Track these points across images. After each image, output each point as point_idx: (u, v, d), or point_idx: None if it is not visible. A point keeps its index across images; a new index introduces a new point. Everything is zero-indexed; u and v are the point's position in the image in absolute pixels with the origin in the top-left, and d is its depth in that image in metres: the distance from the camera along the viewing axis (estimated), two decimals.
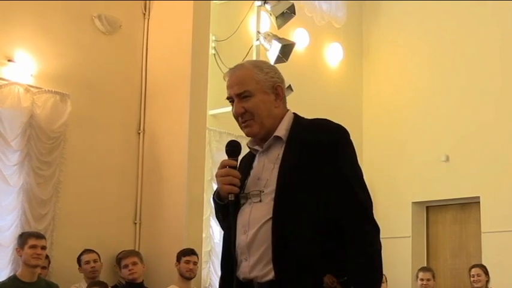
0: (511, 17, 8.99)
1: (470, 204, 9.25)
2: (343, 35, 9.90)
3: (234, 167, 2.81)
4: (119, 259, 6.74)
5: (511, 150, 8.80)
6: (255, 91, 2.82)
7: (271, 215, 2.71)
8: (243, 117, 2.84)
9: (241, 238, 2.78)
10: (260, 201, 2.77)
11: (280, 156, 2.80)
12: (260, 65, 2.93)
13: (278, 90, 2.87)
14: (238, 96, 2.83)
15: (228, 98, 2.89)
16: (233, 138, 2.94)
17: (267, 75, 2.86)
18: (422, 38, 9.75)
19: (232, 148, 2.86)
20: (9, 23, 6.74)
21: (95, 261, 6.69)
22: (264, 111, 2.82)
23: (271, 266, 2.69)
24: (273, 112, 2.85)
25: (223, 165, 2.82)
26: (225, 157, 2.86)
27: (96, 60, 7.39)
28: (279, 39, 8.27)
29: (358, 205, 2.74)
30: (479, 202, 9.07)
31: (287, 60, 8.06)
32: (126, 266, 6.54)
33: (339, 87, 9.85)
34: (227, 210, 2.82)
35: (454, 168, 9.22)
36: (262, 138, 2.88)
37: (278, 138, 2.84)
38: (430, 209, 9.74)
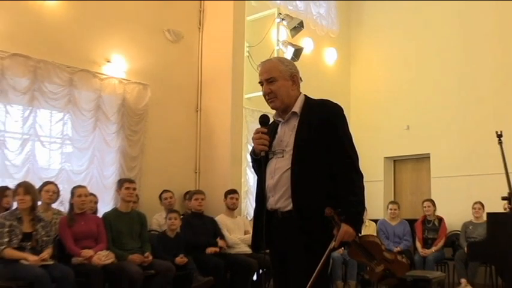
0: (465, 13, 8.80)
1: (423, 158, 9.16)
2: (337, 42, 9.78)
3: (265, 133, 2.79)
4: (191, 195, 6.69)
5: (453, 122, 8.67)
6: (278, 78, 2.80)
7: (289, 166, 2.71)
8: (269, 96, 2.83)
9: (269, 181, 2.78)
10: (282, 156, 2.77)
11: (296, 126, 2.78)
12: (283, 60, 2.91)
13: (294, 78, 2.84)
14: (266, 80, 2.82)
15: (259, 82, 2.87)
16: (263, 114, 2.91)
17: (287, 67, 2.83)
18: (391, 45, 9.59)
19: (264, 120, 2.85)
20: (107, 35, 6.75)
21: (171, 197, 6.76)
22: (283, 92, 2.80)
23: (290, 200, 2.69)
24: (290, 93, 2.82)
25: (257, 132, 2.81)
26: (257, 127, 2.84)
27: (167, 60, 7.38)
28: (292, 45, 8.20)
29: (348, 160, 2.73)
30: (429, 157, 8.98)
31: (298, 60, 7.99)
32: (196, 199, 6.53)
33: (334, 78, 9.73)
34: (260, 163, 2.82)
35: (412, 134, 9.14)
36: (283, 111, 2.85)
37: (294, 113, 2.82)
38: (396, 162, 9.67)
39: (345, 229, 2.58)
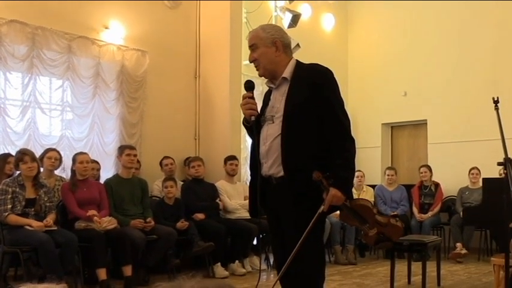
0: None
1: (421, 125, 9.10)
2: (334, 8, 9.60)
3: (251, 97, 2.76)
4: (189, 162, 6.70)
5: (450, 88, 8.58)
6: (259, 45, 2.75)
7: (280, 132, 2.67)
8: (254, 64, 2.80)
9: (262, 148, 2.76)
10: (273, 122, 2.73)
11: (286, 91, 2.72)
12: (265, 27, 2.85)
13: (277, 44, 2.76)
14: (250, 48, 2.79)
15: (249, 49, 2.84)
16: (247, 79, 2.89)
17: (268, 34, 2.76)
18: (389, 11, 9.41)
19: (248, 85, 2.81)
20: (105, 1, 6.61)
21: (171, 164, 6.72)
22: (265, 59, 2.75)
23: (281, 166, 2.67)
24: (273, 60, 2.75)
25: (243, 97, 2.78)
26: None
27: (165, 27, 7.25)
28: (290, 11, 8.05)
29: (339, 124, 2.67)
30: (426, 123, 8.92)
31: (296, 26, 7.85)
32: (193, 167, 6.52)
33: (332, 44, 9.57)
34: (253, 130, 2.79)
35: (410, 100, 9.05)
36: (273, 78, 2.80)
37: (285, 78, 2.76)
38: (394, 128, 9.62)
39: (333, 193, 2.55)
